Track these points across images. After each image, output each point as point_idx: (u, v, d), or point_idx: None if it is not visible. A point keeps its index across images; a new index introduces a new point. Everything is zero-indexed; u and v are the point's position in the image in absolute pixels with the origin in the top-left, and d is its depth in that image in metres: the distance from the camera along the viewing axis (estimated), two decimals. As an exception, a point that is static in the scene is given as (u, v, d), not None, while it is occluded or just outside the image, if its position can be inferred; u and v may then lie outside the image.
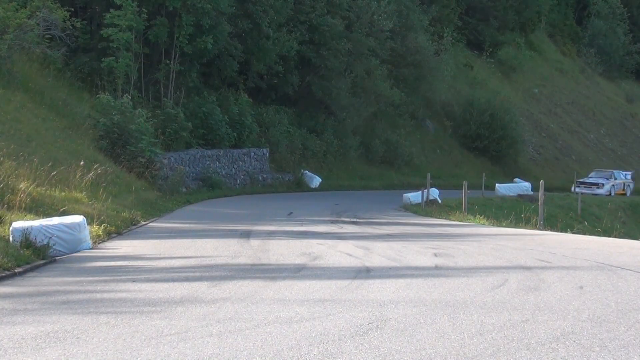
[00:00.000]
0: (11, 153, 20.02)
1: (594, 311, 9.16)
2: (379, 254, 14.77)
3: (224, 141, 38.40)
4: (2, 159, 19.09)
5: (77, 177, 21.76)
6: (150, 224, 21.92)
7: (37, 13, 29.96)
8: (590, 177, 48.72)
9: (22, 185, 17.79)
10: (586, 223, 30.77)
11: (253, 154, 40.62)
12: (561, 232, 23.54)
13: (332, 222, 23.32)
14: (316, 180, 41.90)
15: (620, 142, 71.42)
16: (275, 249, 15.57)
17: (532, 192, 40.26)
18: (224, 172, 37.95)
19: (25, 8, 30.06)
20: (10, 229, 14.42)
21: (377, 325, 8.35)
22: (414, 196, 33.04)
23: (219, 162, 38.04)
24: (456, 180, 45.08)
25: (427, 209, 30.14)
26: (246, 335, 7.94)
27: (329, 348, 7.46)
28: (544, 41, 77.63)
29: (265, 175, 40.60)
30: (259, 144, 41.52)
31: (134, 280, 11.75)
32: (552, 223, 28.37)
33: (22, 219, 15.63)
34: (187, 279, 11.91)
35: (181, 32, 35.37)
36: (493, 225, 24.97)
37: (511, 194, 41.18)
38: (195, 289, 10.82)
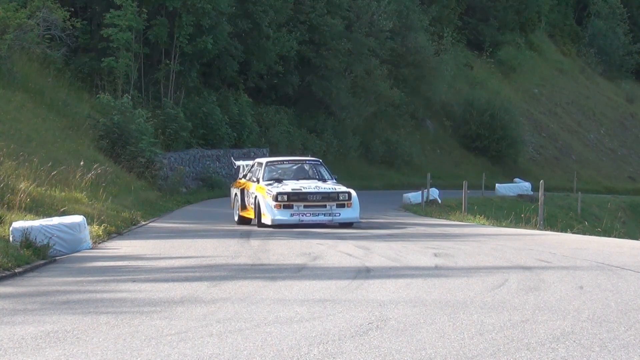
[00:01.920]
0: (11, 153, 20.00)
1: (594, 311, 9.14)
2: (379, 254, 14.76)
3: (224, 141, 38.39)
4: (2, 159, 19.08)
5: (77, 177, 21.75)
6: (150, 224, 21.92)
7: (37, 13, 29.94)
8: None
9: (22, 185, 17.77)
10: (586, 223, 30.70)
11: (253, 154, 40.59)
12: (561, 232, 23.49)
13: (332, 222, 23.26)
14: (316, 180, 41.81)
15: (620, 142, 71.37)
16: (275, 249, 15.56)
17: (532, 192, 40.20)
18: (224, 172, 37.94)
19: (25, 8, 30.05)
20: (10, 229, 14.40)
21: (377, 325, 8.33)
22: (414, 196, 33.00)
23: (219, 162, 38.04)
24: (456, 180, 45.02)
25: (427, 209, 30.11)
26: (246, 335, 7.94)
27: (329, 348, 7.45)
28: (544, 41, 77.55)
29: (265, 175, 40.56)
30: (259, 144, 41.49)
31: (134, 280, 11.75)
32: (552, 223, 28.32)
33: (22, 219, 15.61)
34: (187, 279, 11.91)
35: (181, 32, 35.36)
36: (493, 225, 24.93)
37: (511, 194, 41.13)
38: (195, 289, 10.82)
